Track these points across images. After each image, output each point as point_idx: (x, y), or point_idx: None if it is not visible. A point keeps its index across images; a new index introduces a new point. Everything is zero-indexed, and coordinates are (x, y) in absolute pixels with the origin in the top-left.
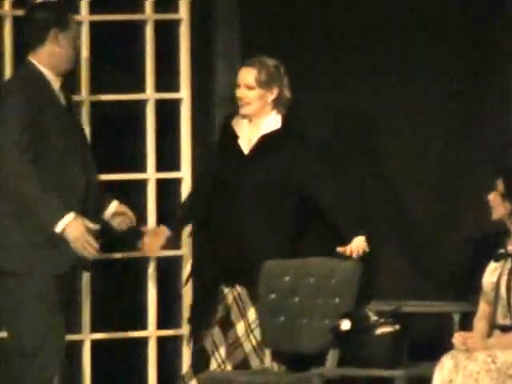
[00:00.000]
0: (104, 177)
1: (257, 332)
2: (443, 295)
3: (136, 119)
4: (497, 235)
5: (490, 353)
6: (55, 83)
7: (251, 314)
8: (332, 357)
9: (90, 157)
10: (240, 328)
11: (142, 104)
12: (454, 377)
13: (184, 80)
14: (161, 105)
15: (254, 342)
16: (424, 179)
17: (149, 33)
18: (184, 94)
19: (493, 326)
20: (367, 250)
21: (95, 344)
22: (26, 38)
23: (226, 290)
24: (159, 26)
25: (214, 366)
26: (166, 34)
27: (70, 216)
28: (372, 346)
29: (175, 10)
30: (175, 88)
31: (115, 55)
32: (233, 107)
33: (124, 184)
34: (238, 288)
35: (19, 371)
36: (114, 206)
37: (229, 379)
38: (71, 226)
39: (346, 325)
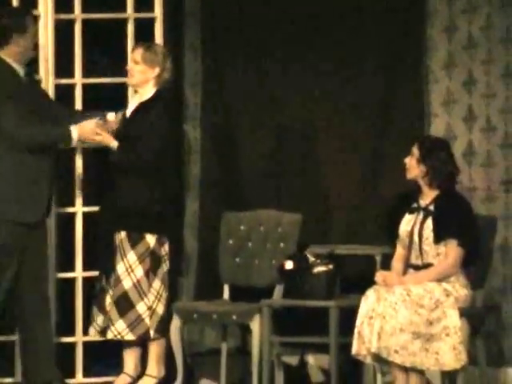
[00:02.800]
0: None
1: (137, 271)
2: (368, 241)
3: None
4: (411, 192)
5: (405, 287)
6: (20, 71)
7: (131, 255)
8: (278, 291)
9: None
10: (120, 267)
11: (124, 90)
12: (376, 306)
13: None
14: None
15: (134, 280)
16: (356, 147)
17: (130, 29)
18: None
19: (407, 266)
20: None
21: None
22: None
23: (115, 236)
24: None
25: (108, 301)
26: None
27: (74, 128)
28: (310, 281)
29: (151, 9)
30: None
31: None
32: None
33: None
34: (122, 233)
35: None
36: (112, 118)
37: (194, 308)
38: (81, 132)
39: (289, 265)
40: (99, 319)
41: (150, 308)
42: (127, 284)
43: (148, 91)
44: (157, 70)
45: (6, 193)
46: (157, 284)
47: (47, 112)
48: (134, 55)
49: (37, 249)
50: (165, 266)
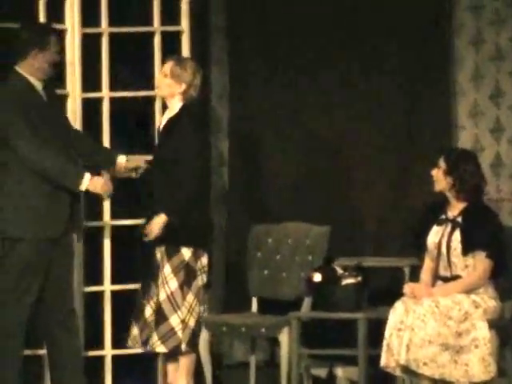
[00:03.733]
0: None
1: (171, 284)
2: (396, 253)
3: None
4: (439, 204)
5: (433, 299)
6: (38, 86)
7: (167, 268)
8: (306, 303)
9: (70, 138)
10: (159, 280)
11: (151, 103)
12: (405, 318)
13: None
14: None
15: (168, 292)
16: (383, 160)
17: (156, 42)
18: None
19: (436, 278)
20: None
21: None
22: (13, 51)
23: (156, 249)
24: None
25: (147, 311)
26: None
27: (87, 176)
28: (339, 294)
29: (178, 23)
30: None
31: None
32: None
33: None
34: (162, 247)
35: None
36: (122, 161)
37: (223, 320)
38: (91, 184)
39: (317, 277)
40: (135, 331)
41: (183, 321)
42: (162, 296)
43: (175, 105)
44: (183, 87)
45: (26, 210)
46: (190, 297)
47: (65, 130)
48: (164, 67)
49: (62, 263)
50: (200, 280)
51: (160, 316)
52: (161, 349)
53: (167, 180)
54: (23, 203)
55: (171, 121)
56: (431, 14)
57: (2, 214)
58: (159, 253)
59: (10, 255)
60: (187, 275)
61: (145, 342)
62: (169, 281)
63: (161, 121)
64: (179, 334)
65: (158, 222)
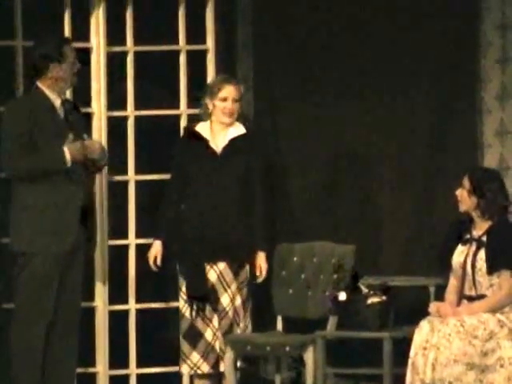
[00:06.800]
0: None
1: (237, 301)
2: (421, 272)
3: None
4: (463, 224)
5: (459, 318)
6: (56, 101)
7: (233, 285)
8: (332, 322)
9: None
10: (225, 299)
11: (177, 119)
12: (430, 338)
13: None
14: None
15: (233, 309)
16: (409, 178)
17: (182, 61)
18: None
19: (461, 297)
20: (264, 270)
21: None
22: (33, 69)
23: (208, 268)
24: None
25: (209, 334)
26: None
27: (65, 150)
28: (364, 313)
29: (203, 41)
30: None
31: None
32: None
33: None
34: (220, 265)
35: (12, 338)
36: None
37: (248, 340)
38: (72, 155)
39: (342, 296)
40: (193, 357)
41: None
42: (231, 314)
43: (236, 125)
44: (241, 104)
45: (32, 225)
46: (247, 315)
47: None
48: (234, 93)
49: (70, 278)
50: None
51: (230, 332)
52: None
53: (244, 202)
54: (34, 217)
55: (237, 140)
56: (458, 33)
57: (15, 229)
58: (216, 271)
59: (24, 270)
60: (248, 292)
61: (215, 365)
62: (236, 298)
63: (203, 143)
64: None
65: (266, 263)
